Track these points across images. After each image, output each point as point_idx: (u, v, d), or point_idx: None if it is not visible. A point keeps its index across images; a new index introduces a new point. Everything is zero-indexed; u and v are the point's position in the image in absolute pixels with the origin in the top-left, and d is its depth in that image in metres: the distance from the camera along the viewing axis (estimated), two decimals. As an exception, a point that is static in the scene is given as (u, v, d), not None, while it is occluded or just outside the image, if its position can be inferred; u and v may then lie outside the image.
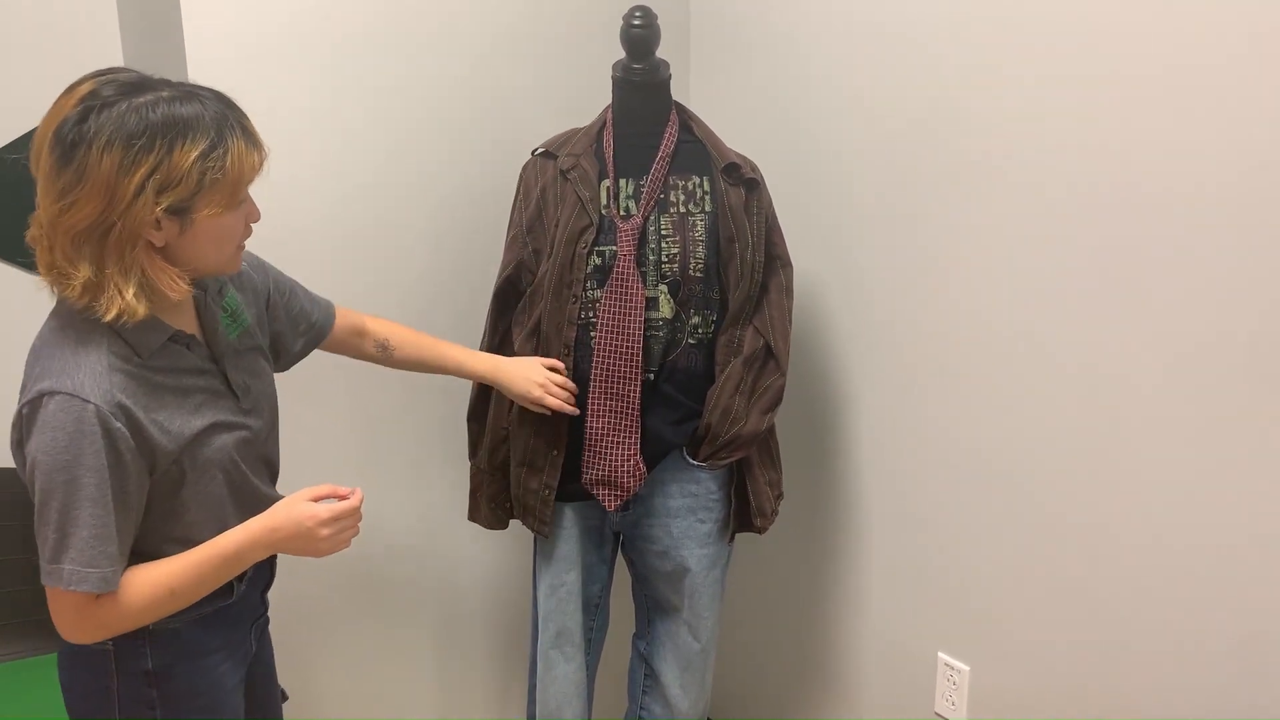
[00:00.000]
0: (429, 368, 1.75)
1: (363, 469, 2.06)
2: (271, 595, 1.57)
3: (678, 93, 1.88)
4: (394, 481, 2.12)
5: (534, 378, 1.72)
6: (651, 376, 1.76)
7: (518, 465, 1.83)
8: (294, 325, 1.58)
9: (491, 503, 1.89)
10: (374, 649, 2.17)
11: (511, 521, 1.92)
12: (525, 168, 1.84)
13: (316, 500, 1.33)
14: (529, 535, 1.94)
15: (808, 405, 2.09)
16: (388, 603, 2.17)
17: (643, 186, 1.75)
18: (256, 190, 1.30)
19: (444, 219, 2.07)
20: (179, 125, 1.16)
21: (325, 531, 1.31)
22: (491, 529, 1.91)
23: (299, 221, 1.92)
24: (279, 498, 1.37)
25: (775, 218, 1.85)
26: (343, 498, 1.34)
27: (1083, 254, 1.55)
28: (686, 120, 1.82)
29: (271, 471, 1.49)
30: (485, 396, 1.88)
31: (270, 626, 1.60)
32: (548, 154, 1.81)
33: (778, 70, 2.08)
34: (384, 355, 1.71)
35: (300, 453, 1.97)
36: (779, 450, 1.89)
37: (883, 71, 1.83)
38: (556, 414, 1.74)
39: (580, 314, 1.74)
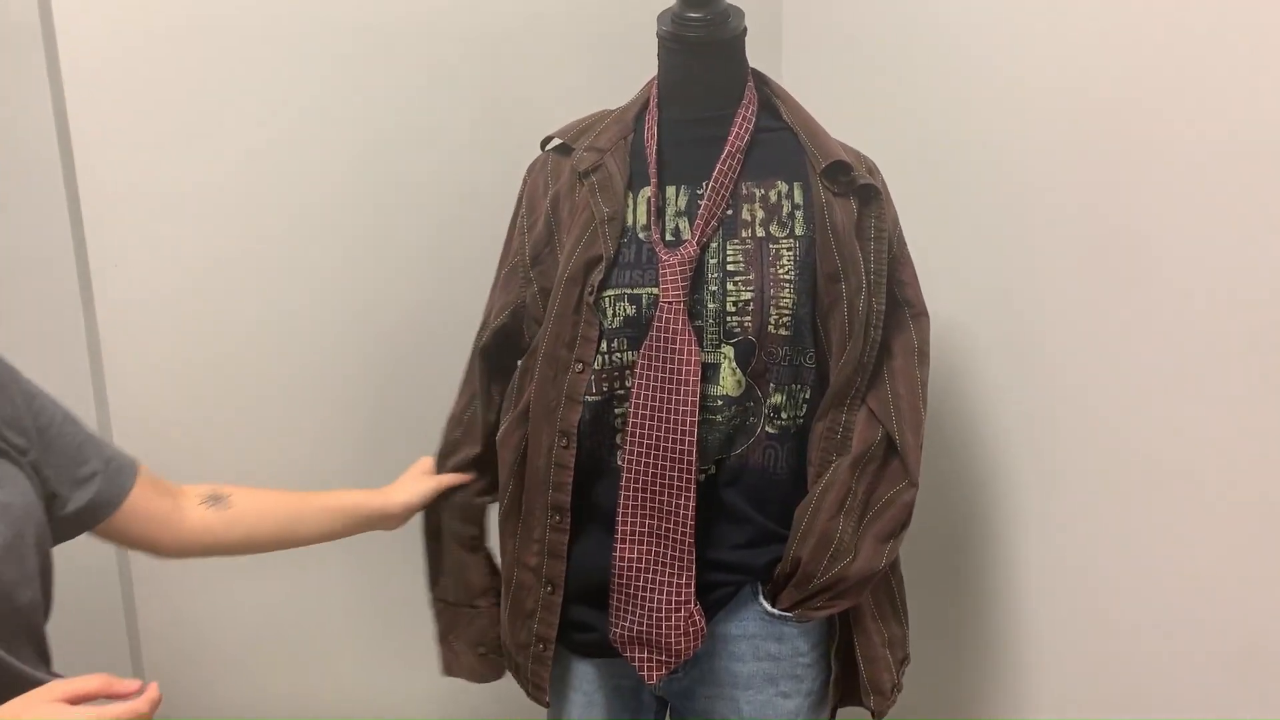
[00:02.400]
0: (281, 524, 1.21)
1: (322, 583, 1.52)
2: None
3: (764, 63, 1.27)
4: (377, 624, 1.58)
5: (416, 472, 1.31)
6: (706, 476, 1.17)
7: (502, 607, 1.27)
8: (69, 466, 1.03)
9: (478, 645, 1.33)
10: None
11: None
12: (531, 169, 1.28)
13: (77, 700, 0.84)
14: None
15: (947, 523, 1.46)
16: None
17: (700, 197, 1.16)
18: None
19: (422, 243, 1.52)
20: None
21: None
22: (482, 681, 1.35)
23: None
24: (37, 680, 0.89)
25: (904, 245, 1.24)
26: (121, 696, 0.86)
27: None
28: (770, 98, 1.23)
29: (32, 642, 0.96)
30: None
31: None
32: (563, 147, 1.24)
33: (905, 34, 1.47)
34: (216, 514, 1.16)
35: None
36: (904, 594, 1.27)
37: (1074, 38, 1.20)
38: (550, 530, 1.20)
39: (595, 387, 1.16)
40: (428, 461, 1.32)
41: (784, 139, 1.20)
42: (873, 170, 1.23)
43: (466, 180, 1.53)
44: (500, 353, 1.27)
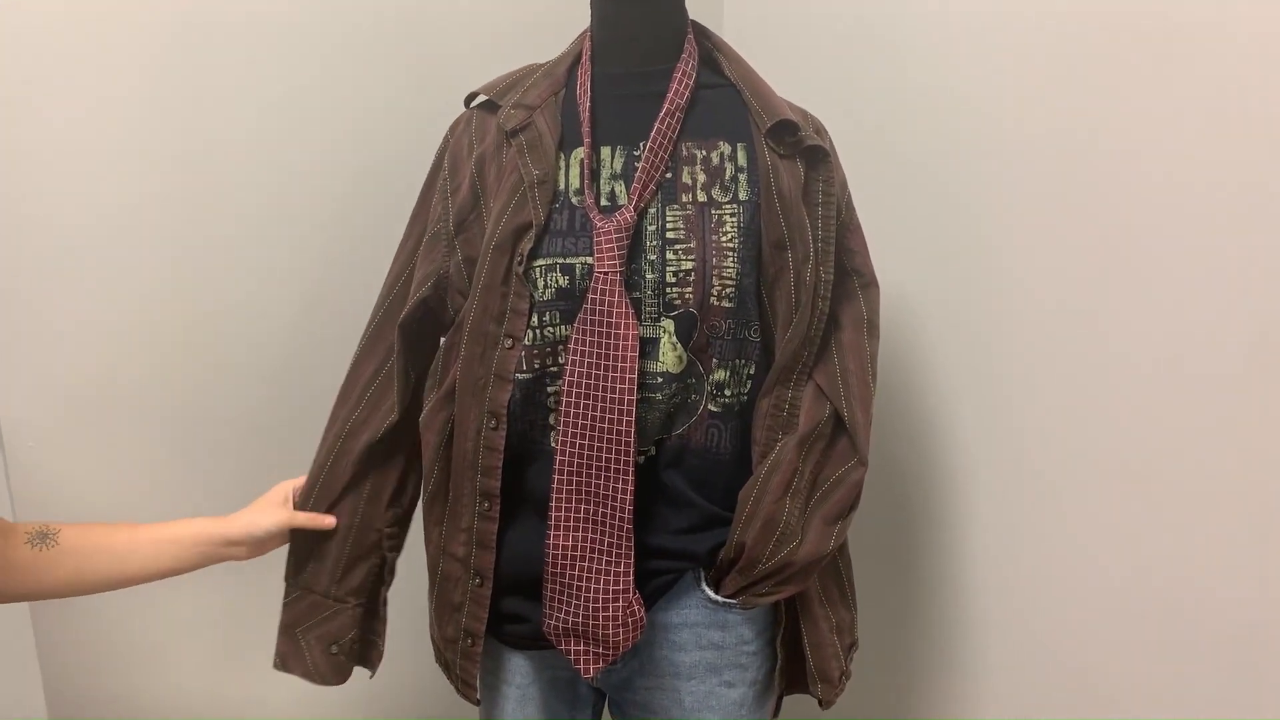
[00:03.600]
0: (112, 560, 1.08)
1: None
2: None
3: (704, 15, 1.19)
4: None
5: (273, 499, 1.17)
6: (645, 458, 1.10)
7: (429, 599, 1.18)
8: None
9: (331, 644, 1.19)
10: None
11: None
12: (454, 128, 1.18)
13: None
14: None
15: (897, 504, 1.41)
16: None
17: (637, 159, 1.08)
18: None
19: (329, 218, 1.41)
20: None
21: None
22: (323, 683, 1.20)
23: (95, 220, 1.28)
24: None
25: (853, 211, 1.17)
26: None
27: None
28: (712, 52, 1.15)
29: None
30: (331, 488, 1.20)
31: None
32: (489, 104, 1.15)
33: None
34: (40, 552, 1.05)
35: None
36: (852, 578, 1.22)
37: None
38: (479, 518, 1.11)
39: (525, 364, 1.08)
40: (284, 488, 1.18)
41: (726, 96, 1.13)
42: (820, 130, 1.16)
43: (383, 151, 1.43)
44: (419, 327, 1.18)
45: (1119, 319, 1.13)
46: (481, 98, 1.16)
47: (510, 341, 1.09)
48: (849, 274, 1.15)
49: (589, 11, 1.12)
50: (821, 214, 1.11)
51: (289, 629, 1.19)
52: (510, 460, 1.11)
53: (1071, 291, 1.18)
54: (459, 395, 1.11)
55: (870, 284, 1.17)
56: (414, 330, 1.18)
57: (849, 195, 1.17)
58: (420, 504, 1.18)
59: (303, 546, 1.19)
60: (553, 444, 1.09)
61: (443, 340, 1.16)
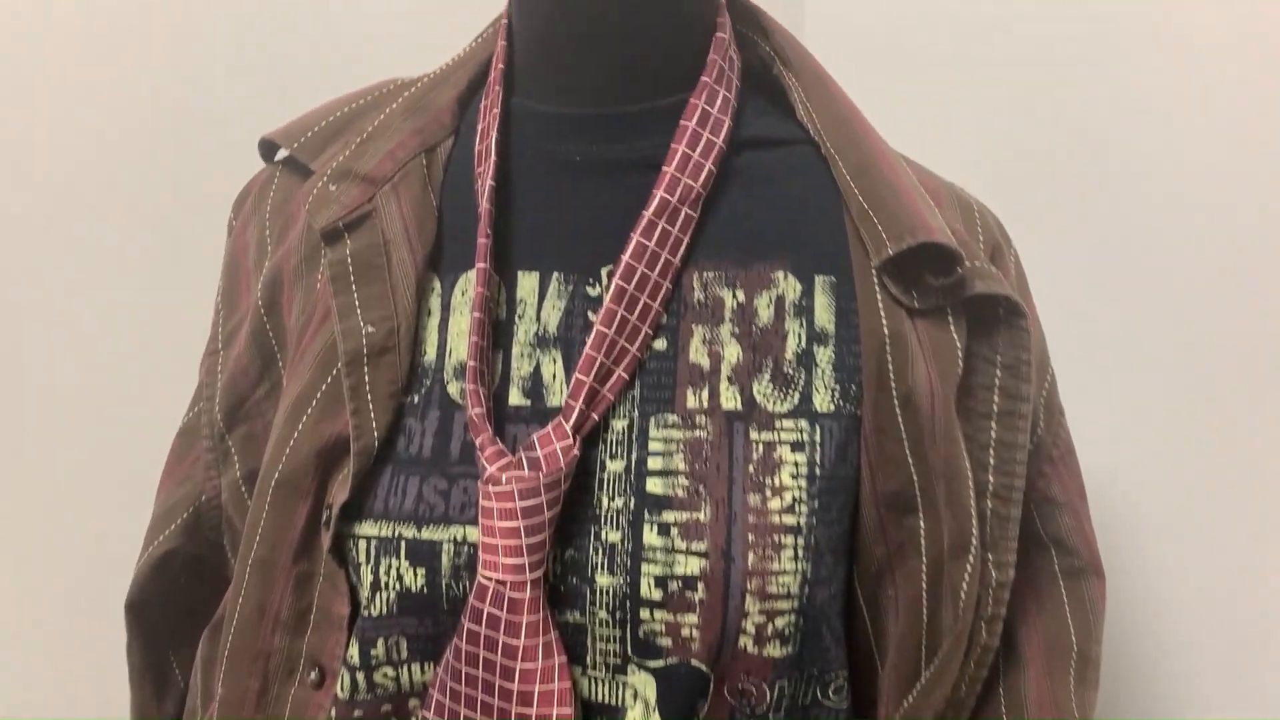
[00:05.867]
0: None
1: None
2: None
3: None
4: None
5: None
6: None
7: None
8: None
9: None
10: None
11: None
12: (239, 204, 0.61)
13: None
14: None
15: None
16: None
17: (596, 304, 0.49)
18: None
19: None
20: None
21: None
22: None
23: None
24: None
25: (1058, 418, 0.56)
26: None
27: None
28: (770, 67, 0.57)
29: None
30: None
31: None
32: (296, 164, 0.56)
33: None
34: None
35: None
36: None
37: None
38: None
39: None
40: None
41: (800, 162, 0.53)
42: (1000, 248, 0.55)
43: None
44: (169, 609, 0.60)
45: None
46: (289, 141, 0.56)
47: (315, 675, 0.50)
48: (1043, 548, 0.55)
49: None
50: (997, 438, 0.50)
51: None
52: None
53: None
54: None
55: (1087, 570, 0.55)
56: (160, 617, 0.60)
57: (1051, 379, 0.56)
58: None
59: None
60: None
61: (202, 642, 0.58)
